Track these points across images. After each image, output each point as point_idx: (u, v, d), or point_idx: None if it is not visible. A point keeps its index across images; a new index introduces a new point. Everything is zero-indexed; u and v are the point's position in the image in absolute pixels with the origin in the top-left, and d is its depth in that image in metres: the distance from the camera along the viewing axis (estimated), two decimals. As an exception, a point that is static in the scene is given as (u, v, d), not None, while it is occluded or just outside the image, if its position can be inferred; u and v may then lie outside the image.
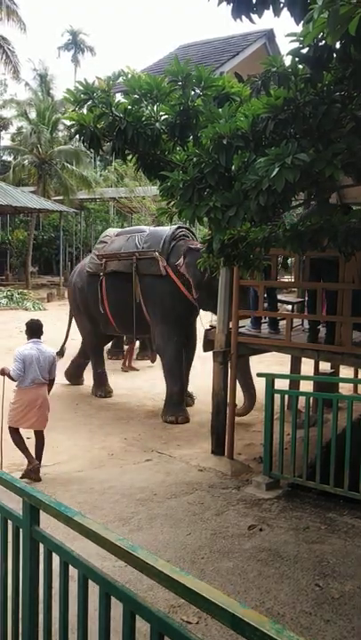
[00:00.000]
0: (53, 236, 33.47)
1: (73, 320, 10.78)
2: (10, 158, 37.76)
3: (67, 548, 2.22)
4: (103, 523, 5.07)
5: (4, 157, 39.65)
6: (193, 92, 3.96)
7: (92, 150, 4.51)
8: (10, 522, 2.64)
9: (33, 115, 34.63)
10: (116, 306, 9.36)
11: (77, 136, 4.28)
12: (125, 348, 12.60)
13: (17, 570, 2.55)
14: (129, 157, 4.39)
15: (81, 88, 4.09)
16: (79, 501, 5.63)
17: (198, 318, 9.49)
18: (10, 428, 6.32)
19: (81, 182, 32.24)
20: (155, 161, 4.28)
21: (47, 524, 2.40)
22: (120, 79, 4.23)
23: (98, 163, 41.18)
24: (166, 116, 4.08)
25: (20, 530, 2.53)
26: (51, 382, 6.49)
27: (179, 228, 9.51)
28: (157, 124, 4.08)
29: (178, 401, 8.82)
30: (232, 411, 6.86)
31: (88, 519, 2.10)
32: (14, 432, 6.32)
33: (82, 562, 2.09)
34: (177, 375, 8.94)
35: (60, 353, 10.03)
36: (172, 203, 4.37)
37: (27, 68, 39.64)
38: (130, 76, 4.32)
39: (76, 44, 56.30)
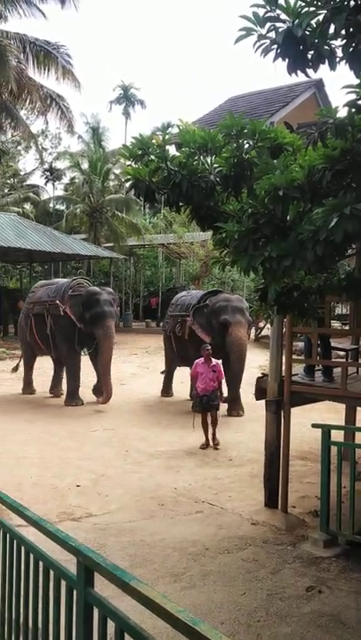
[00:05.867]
0: (104, 281, 34.12)
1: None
2: (63, 207, 39.17)
3: (122, 615, 2.13)
4: (154, 578, 4.94)
5: (58, 206, 41.16)
6: (247, 145, 4.00)
7: (141, 199, 4.61)
8: (64, 581, 2.56)
9: (85, 165, 36.00)
10: (40, 336, 13.82)
11: (133, 190, 4.37)
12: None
13: (70, 632, 2.47)
14: (183, 209, 4.44)
15: (137, 143, 4.19)
16: (130, 554, 5.52)
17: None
18: None
19: (131, 229, 33.00)
20: (208, 212, 4.31)
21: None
22: (171, 130, 4.32)
23: (147, 210, 42.16)
24: (220, 169, 4.12)
25: (74, 591, 2.45)
26: None
27: (74, 280, 14.46)
28: (212, 177, 4.12)
29: (75, 393, 13.21)
30: (286, 461, 6.65)
31: (145, 585, 2.02)
32: None
33: (139, 631, 2.00)
34: (76, 377, 13.27)
35: (15, 369, 15.65)
36: (225, 252, 4.38)
37: (80, 121, 41.55)
38: (184, 129, 4.41)
39: (127, 98, 58.50)
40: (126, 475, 8.19)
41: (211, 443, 9.64)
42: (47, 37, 18.50)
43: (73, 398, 13.16)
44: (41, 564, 2.78)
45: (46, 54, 18.15)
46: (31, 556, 2.88)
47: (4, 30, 17.75)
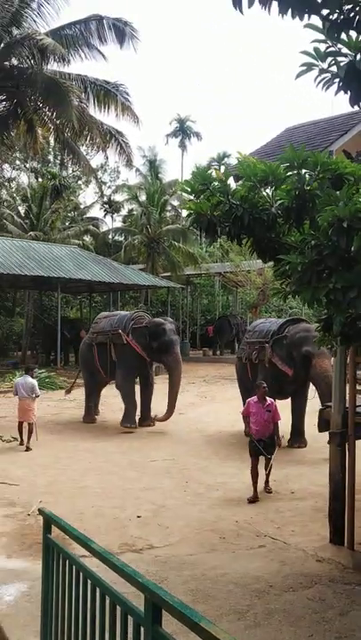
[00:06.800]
0: (161, 310, 34.52)
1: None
2: (121, 238, 40.07)
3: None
4: (218, 615, 4.84)
5: (116, 238, 42.13)
6: (309, 177, 4.00)
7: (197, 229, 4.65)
8: (131, 618, 2.55)
9: (143, 197, 36.82)
10: (102, 363, 14.74)
11: (195, 224, 4.42)
12: None
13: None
14: (244, 241, 4.46)
15: (198, 178, 4.26)
16: (192, 589, 5.43)
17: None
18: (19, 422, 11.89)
19: (187, 259, 33.36)
20: (270, 244, 4.32)
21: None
22: (226, 160, 4.38)
23: (203, 239, 42.53)
24: (282, 201, 4.13)
25: (142, 628, 2.44)
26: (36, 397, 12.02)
27: (135, 312, 16.19)
28: (273, 209, 4.14)
29: (131, 415, 14.01)
30: (351, 496, 6.43)
31: (215, 626, 1.99)
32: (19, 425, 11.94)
33: (209, 674, 1.96)
34: (131, 400, 14.10)
35: (68, 391, 17.05)
36: (287, 283, 4.35)
37: (137, 155, 42.70)
38: (243, 162, 4.46)
39: (183, 131, 59.70)
40: (186, 506, 8.12)
41: (263, 488, 8.62)
42: (106, 74, 19.33)
43: (128, 419, 13.93)
44: (107, 599, 2.79)
45: (106, 93, 18.82)
46: (97, 590, 2.89)
47: (67, 73, 18.54)
